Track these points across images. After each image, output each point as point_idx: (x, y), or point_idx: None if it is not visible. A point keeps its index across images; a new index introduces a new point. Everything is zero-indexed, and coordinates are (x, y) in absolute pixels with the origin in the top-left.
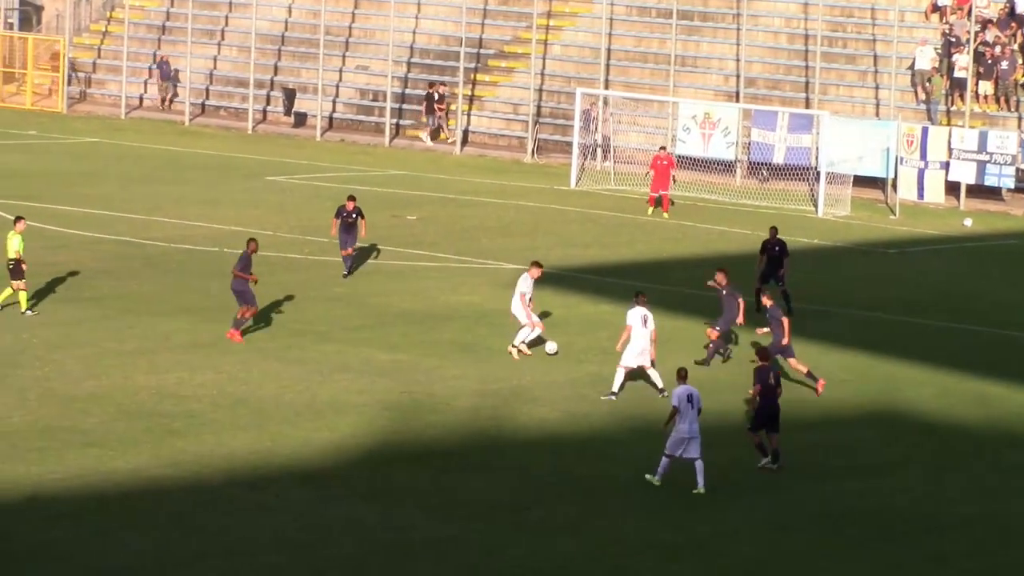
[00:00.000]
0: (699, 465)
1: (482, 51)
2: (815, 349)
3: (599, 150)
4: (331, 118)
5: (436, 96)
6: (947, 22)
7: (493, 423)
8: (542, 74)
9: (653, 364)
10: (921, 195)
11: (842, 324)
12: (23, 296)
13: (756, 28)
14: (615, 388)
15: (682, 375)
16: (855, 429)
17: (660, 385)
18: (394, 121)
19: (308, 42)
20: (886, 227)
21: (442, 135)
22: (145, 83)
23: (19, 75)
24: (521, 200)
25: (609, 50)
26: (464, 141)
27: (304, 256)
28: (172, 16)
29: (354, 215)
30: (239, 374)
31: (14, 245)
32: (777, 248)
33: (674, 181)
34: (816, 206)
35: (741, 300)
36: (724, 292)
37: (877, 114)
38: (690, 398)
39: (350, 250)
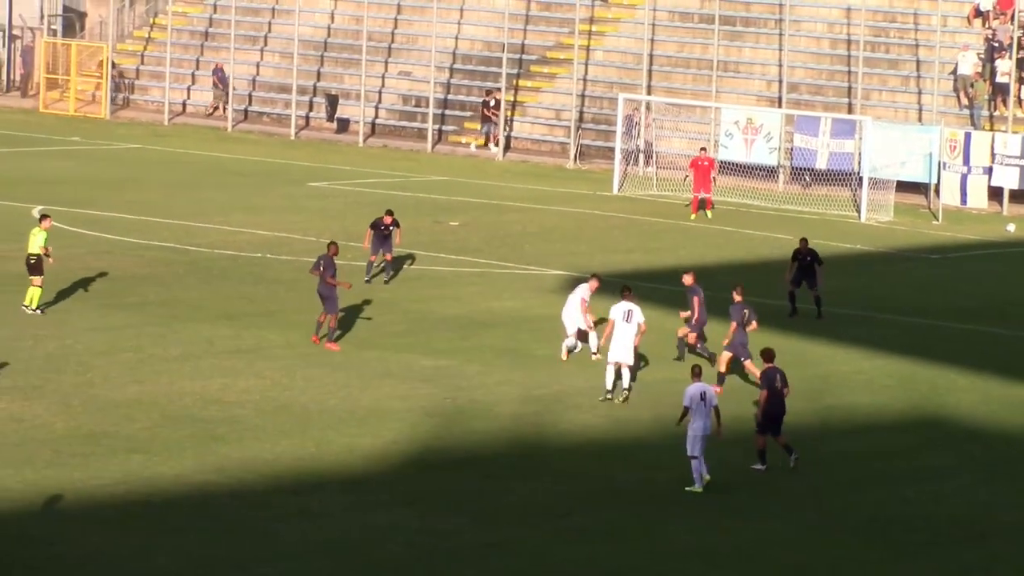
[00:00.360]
0: (697, 464)
1: (524, 57)
2: (858, 354)
3: (641, 156)
4: (374, 124)
5: (492, 103)
6: (990, 27)
7: (536, 429)
8: (584, 80)
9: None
10: (964, 200)
11: (885, 329)
12: (37, 293)
13: (798, 33)
14: (608, 386)
15: (696, 372)
16: (899, 435)
17: (625, 386)
18: (436, 127)
19: (351, 48)
20: (929, 232)
21: (492, 143)
22: (188, 89)
23: (62, 81)
24: (563, 206)
25: (651, 56)
26: (507, 147)
27: (347, 262)
28: (215, 22)
29: (391, 228)
30: (282, 380)
31: (39, 241)
32: (809, 258)
33: (714, 182)
34: (859, 211)
35: (696, 297)
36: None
37: (920, 119)
38: (703, 396)
39: (388, 256)
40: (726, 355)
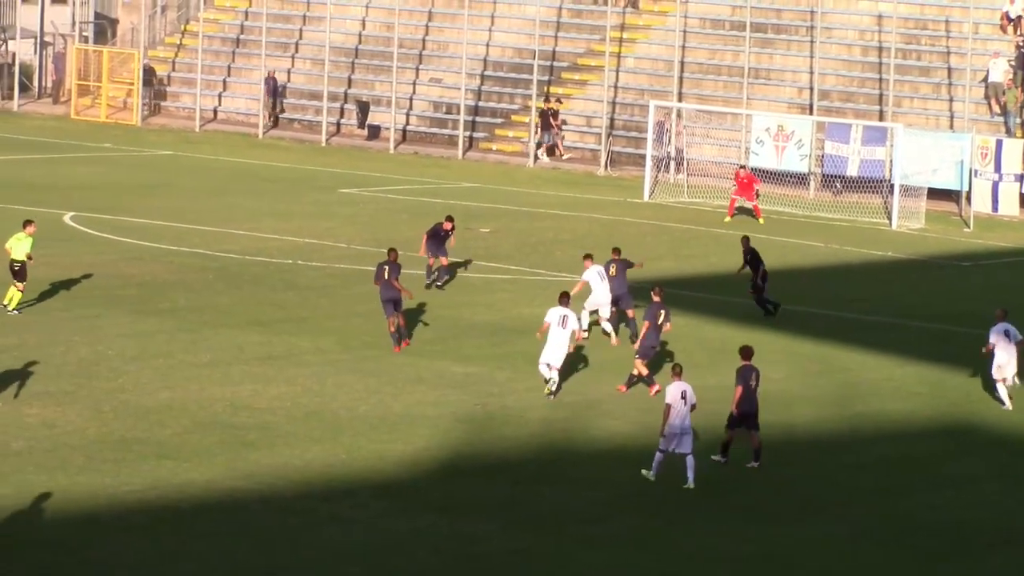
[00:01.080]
0: (690, 461)
1: (555, 64)
2: (888, 361)
3: (672, 162)
4: (404, 131)
5: (552, 112)
6: (1021, 34)
7: (566, 435)
8: (615, 87)
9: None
10: (995, 208)
11: (916, 337)
12: (18, 296)
13: (830, 40)
14: (551, 388)
15: (676, 372)
16: (929, 442)
17: (553, 389)
18: (467, 134)
19: (382, 55)
20: (960, 240)
21: (557, 152)
22: (220, 95)
23: (94, 88)
24: (594, 212)
25: (683, 63)
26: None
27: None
28: (247, 29)
29: (450, 233)
30: (313, 386)
31: (24, 248)
32: (749, 256)
33: (757, 196)
34: (890, 219)
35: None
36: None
37: (951, 127)
38: (683, 395)
39: (444, 260)
40: (639, 361)
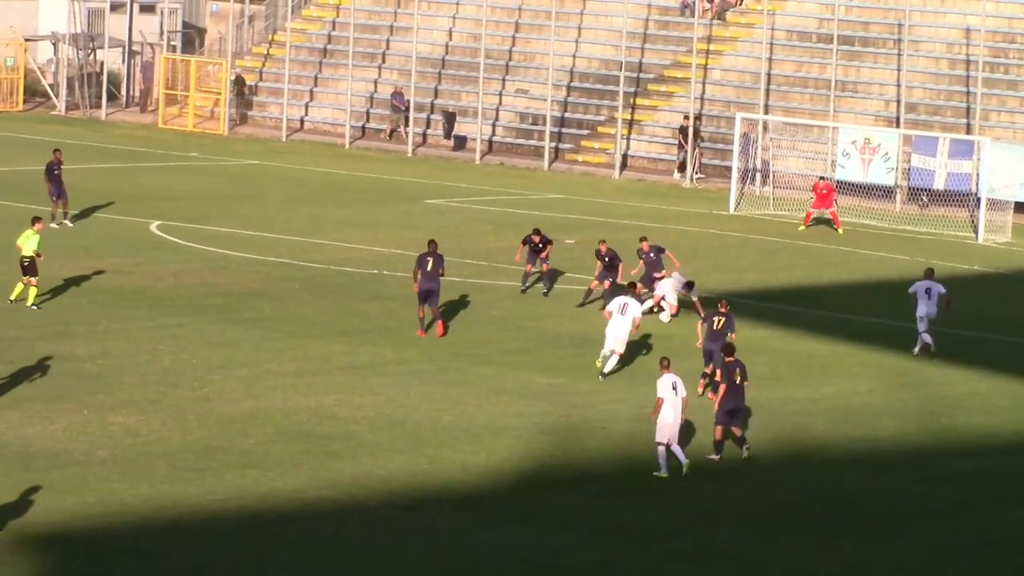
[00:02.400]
0: (676, 449)
1: (642, 75)
2: (973, 375)
3: (758, 175)
4: (490, 141)
5: (683, 129)
6: None
7: (649, 447)
8: (702, 99)
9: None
10: None
11: (1001, 351)
12: (33, 291)
13: (917, 54)
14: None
15: (664, 364)
16: (1014, 457)
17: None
18: (553, 145)
19: (468, 66)
20: None
21: (691, 170)
22: (307, 105)
23: (181, 97)
24: (680, 224)
25: (769, 75)
26: (623, 165)
27: (462, 279)
28: (334, 39)
29: (540, 245)
30: (397, 396)
31: (32, 244)
32: (608, 258)
33: (836, 204)
34: (976, 232)
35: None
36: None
37: None
38: (674, 386)
39: (544, 267)
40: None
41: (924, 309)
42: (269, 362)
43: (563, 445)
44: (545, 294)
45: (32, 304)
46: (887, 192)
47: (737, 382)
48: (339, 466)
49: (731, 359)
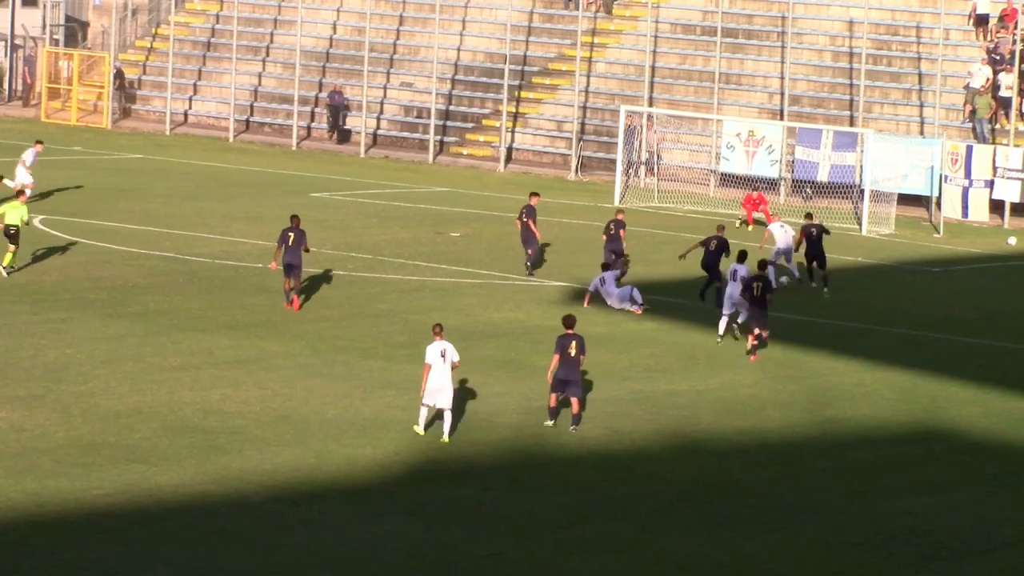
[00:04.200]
0: (448, 416)
1: (526, 68)
2: (859, 366)
3: (643, 167)
4: (375, 135)
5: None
6: (992, 40)
7: (536, 440)
8: (586, 91)
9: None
10: (965, 214)
11: (886, 342)
12: (9, 256)
13: (800, 46)
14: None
15: (437, 331)
16: (901, 447)
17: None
18: (438, 138)
19: (352, 59)
20: (930, 245)
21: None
22: (190, 99)
23: (64, 91)
24: (565, 217)
25: (653, 68)
26: (508, 158)
27: (347, 272)
28: (217, 33)
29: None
30: (283, 390)
31: (19, 213)
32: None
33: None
34: (860, 224)
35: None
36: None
37: (921, 132)
38: (443, 353)
39: (530, 251)
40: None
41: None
42: (154, 356)
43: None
44: (529, 273)
45: (6, 266)
46: (771, 184)
47: (572, 354)
48: (225, 460)
49: (568, 332)
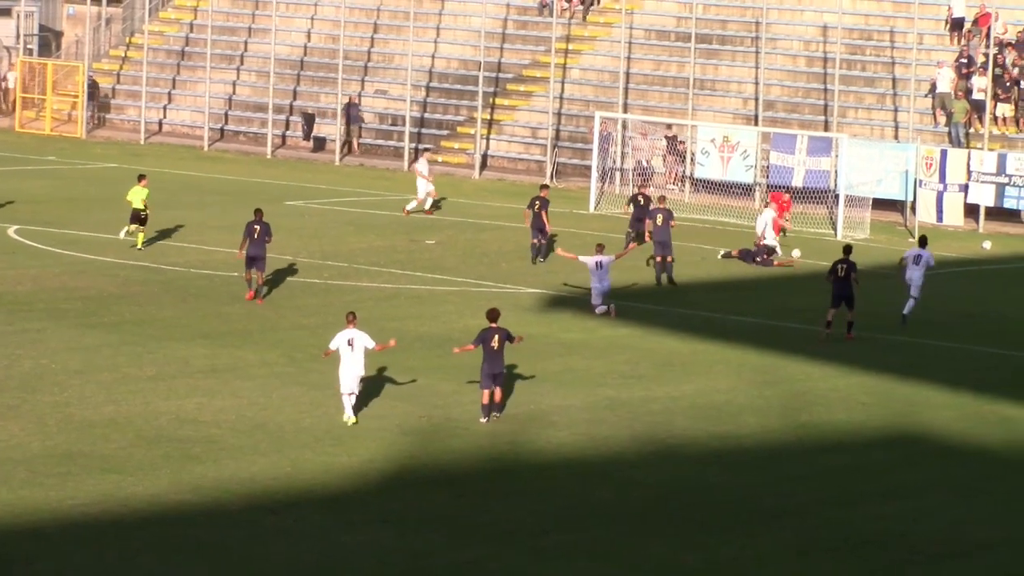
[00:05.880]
0: (352, 399)
1: (501, 75)
2: (834, 371)
3: (618, 174)
4: (350, 142)
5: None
6: (965, 44)
7: (512, 447)
8: (561, 98)
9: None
10: (940, 218)
11: (861, 347)
12: (141, 236)
13: (775, 51)
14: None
15: (350, 319)
16: (877, 452)
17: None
18: (413, 145)
19: (327, 67)
20: (905, 250)
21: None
22: (165, 108)
23: (38, 101)
24: None
25: (628, 74)
26: (483, 165)
27: (323, 281)
28: (191, 41)
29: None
30: (258, 399)
31: (141, 196)
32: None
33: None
34: (835, 229)
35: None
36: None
37: (896, 137)
38: (350, 342)
39: (536, 240)
40: None
41: (910, 274)
42: (129, 366)
43: (425, 446)
44: (534, 263)
45: (139, 247)
46: (746, 190)
47: (496, 347)
48: (201, 470)
49: (492, 325)
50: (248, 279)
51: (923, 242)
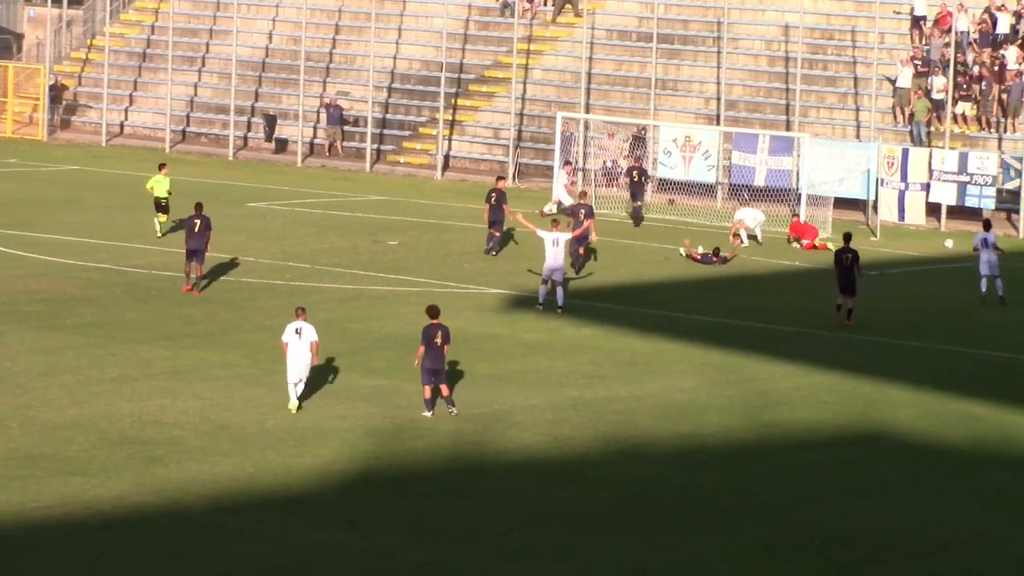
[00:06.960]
0: (300, 388)
1: (463, 76)
2: (796, 370)
3: (580, 174)
4: (312, 144)
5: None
6: (927, 44)
7: (475, 448)
8: (523, 99)
9: None
10: (902, 217)
11: (823, 346)
12: (164, 219)
13: (736, 51)
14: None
15: (299, 313)
16: (839, 451)
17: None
18: (375, 146)
19: (288, 68)
20: (867, 249)
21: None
22: (126, 110)
23: None
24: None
25: (590, 74)
26: (445, 166)
27: (285, 282)
28: (152, 43)
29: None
30: (221, 400)
31: (165, 185)
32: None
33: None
34: None
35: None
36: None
37: (857, 136)
38: (298, 331)
39: (496, 233)
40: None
41: (987, 257)
42: (92, 368)
43: (388, 446)
44: (488, 252)
45: (160, 234)
46: (708, 189)
47: (438, 344)
48: (164, 472)
49: (433, 322)
50: (187, 272)
51: (987, 225)
